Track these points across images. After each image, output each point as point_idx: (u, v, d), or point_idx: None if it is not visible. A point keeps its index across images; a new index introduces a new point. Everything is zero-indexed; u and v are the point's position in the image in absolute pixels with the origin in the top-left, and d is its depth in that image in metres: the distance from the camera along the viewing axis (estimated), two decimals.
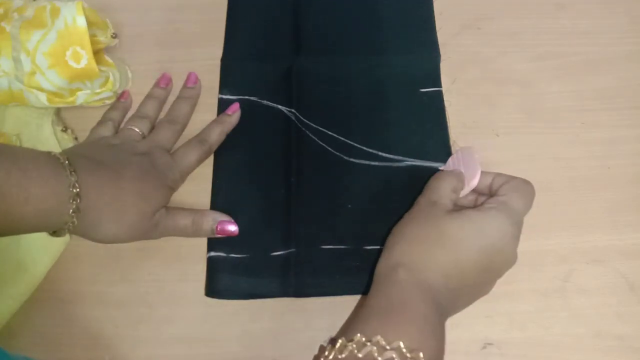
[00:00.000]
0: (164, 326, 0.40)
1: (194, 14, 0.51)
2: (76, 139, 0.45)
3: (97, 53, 0.45)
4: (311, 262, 0.41)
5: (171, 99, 0.47)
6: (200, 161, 0.43)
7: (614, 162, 0.44)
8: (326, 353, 0.29)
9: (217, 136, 0.44)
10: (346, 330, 0.31)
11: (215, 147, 0.44)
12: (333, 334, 0.39)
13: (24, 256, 0.41)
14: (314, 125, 0.45)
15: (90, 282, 0.41)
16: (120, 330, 0.40)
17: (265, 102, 0.46)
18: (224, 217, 0.41)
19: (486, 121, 0.46)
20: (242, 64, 0.48)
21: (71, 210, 0.34)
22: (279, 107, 0.46)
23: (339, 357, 0.29)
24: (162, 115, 0.46)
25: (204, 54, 0.48)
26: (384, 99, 0.46)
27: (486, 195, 0.39)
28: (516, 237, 0.35)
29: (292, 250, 0.41)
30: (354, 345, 0.29)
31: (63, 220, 0.34)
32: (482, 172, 0.38)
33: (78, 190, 0.34)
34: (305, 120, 0.45)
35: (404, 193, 0.42)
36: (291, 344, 0.39)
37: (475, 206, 0.39)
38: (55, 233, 0.36)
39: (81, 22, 0.42)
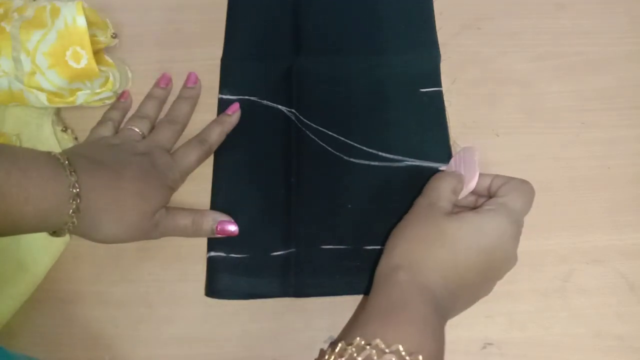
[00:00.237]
0: (164, 326, 0.40)
1: (194, 14, 0.51)
2: (76, 139, 0.45)
3: (97, 53, 0.45)
4: (311, 262, 0.41)
5: (171, 99, 0.47)
6: (200, 161, 0.43)
7: (614, 162, 0.44)
8: (326, 357, 0.29)
9: (217, 136, 0.44)
10: (346, 333, 0.31)
11: (215, 147, 0.44)
12: (333, 333, 0.39)
13: (24, 256, 0.41)
14: (314, 125, 0.45)
15: (90, 282, 0.41)
16: (120, 330, 0.40)
17: (265, 102, 0.46)
18: (224, 217, 0.41)
19: (486, 121, 0.46)
20: (242, 64, 0.48)
21: (71, 211, 0.34)
22: (279, 107, 0.46)
23: None
24: (162, 115, 0.46)
25: (204, 54, 0.48)
26: (384, 99, 0.46)
27: (485, 196, 0.39)
28: (515, 238, 0.35)
29: (292, 250, 0.41)
30: (353, 349, 0.29)
31: (63, 220, 0.34)
32: (480, 173, 0.38)
33: (78, 190, 0.34)
34: (305, 120, 0.45)
35: (404, 193, 0.42)
36: (291, 344, 0.39)
37: (474, 207, 0.39)
38: (55, 233, 0.36)
39: (81, 22, 0.42)
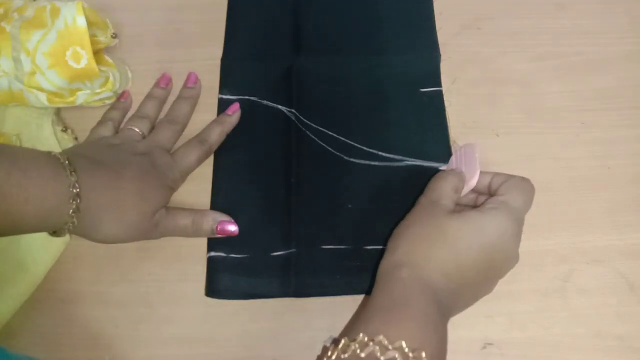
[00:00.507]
0: (164, 326, 0.40)
1: (194, 14, 0.51)
2: (76, 139, 0.45)
3: (97, 53, 0.45)
4: (311, 262, 0.41)
5: (171, 99, 0.47)
6: (200, 161, 0.43)
7: (614, 162, 0.44)
8: (329, 353, 0.30)
9: (217, 136, 0.44)
10: (349, 330, 0.31)
11: (215, 147, 0.44)
12: (333, 333, 0.39)
13: (24, 256, 0.41)
14: (314, 125, 0.45)
15: (90, 282, 0.41)
16: (120, 330, 0.40)
17: (265, 102, 0.46)
18: (224, 217, 0.41)
19: (486, 121, 0.46)
20: (242, 64, 0.48)
21: (71, 211, 0.34)
22: (279, 107, 0.46)
23: (342, 356, 0.29)
24: (162, 115, 0.46)
25: (204, 54, 0.48)
26: (384, 99, 0.46)
27: (486, 194, 0.39)
28: (517, 236, 0.35)
29: (292, 250, 0.41)
30: (357, 345, 0.29)
31: (63, 220, 0.34)
32: (480, 172, 0.38)
33: (78, 190, 0.34)
34: (305, 120, 0.45)
35: (404, 193, 0.42)
36: (291, 344, 0.39)
37: (475, 205, 0.40)
38: (55, 233, 0.36)
39: (81, 22, 0.42)
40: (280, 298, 0.40)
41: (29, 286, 0.40)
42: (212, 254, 0.41)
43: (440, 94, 0.46)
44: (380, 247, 0.40)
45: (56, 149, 0.43)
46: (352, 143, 0.44)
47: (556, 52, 0.48)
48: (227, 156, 0.44)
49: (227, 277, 0.40)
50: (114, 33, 0.47)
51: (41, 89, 0.43)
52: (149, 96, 0.46)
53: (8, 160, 0.32)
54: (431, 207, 0.37)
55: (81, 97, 0.44)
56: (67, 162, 0.35)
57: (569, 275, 0.41)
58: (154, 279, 0.41)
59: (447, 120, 0.45)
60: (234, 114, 0.45)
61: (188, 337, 0.40)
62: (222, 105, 0.46)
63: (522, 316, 0.40)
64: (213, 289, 0.40)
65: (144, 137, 0.43)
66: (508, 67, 0.48)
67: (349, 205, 0.42)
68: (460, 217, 0.35)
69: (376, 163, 0.44)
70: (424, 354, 0.28)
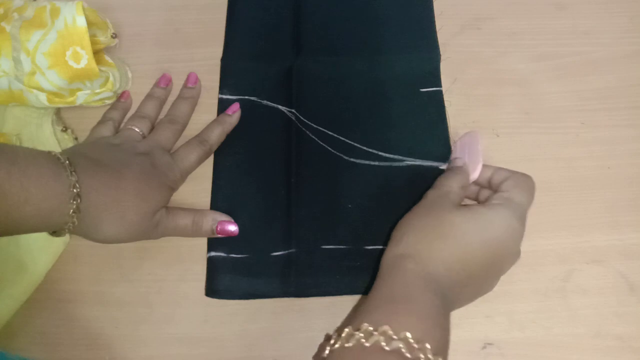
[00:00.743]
0: (164, 326, 0.40)
1: (194, 14, 0.51)
2: (76, 139, 0.45)
3: (97, 53, 0.45)
4: (311, 262, 0.41)
5: (171, 99, 0.47)
6: (200, 161, 0.43)
7: (614, 162, 0.44)
8: (332, 342, 0.29)
9: (217, 136, 0.44)
10: (352, 320, 0.31)
11: (215, 147, 0.44)
12: None
13: (24, 256, 0.41)
14: (314, 125, 0.45)
15: (90, 282, 0.41)
16: (120, 330, 0.40)
17: (265, 102, 0.46)
18: (224, 217, 0.41)
19: (486, 121, 0.46)
20: (242, 64, 0.48)
21: (71, 211, 0.34)
22: (279, 107, 0.46)
23: (346, 345, 0.29)
24: (162, 115, 0.46)
25: (204, 54, 0.48)
26: (384, 99, 0.46)
27: (486, 188, 0.39)
28: (520, 232, 0.36)
29: (292, 250, 0.41)
30: (361, 334, 0.29)
31: (63, 220, 0.34)
32: (483, 165, 0.39)
33: (78, 190, 0.34)
34: (305, 120, 0.45)
35: (404, 193, 0.42)
36: (291, 344, 0.39)
37: (477, 198, 0.40)
38: (55, 233, 0.36)
39: (81, 22, 0.42)
40: (280, 298, 0.40)
41: (29, 286, 0.40)
42: (212, 254, 0.41)
43: (440, 94, 0.46)
44: (381, 247, 0.41)
45: (56, 149, 0.43)
46: (352, 143, 0.44)
47: (556, 52, 0.48)
48: (227, 156, 0.44)
49: (227, 277, 0.40)
50: (114, 33, 0.47)
51: (41, 89, 0.43)
52: (149, 96, 0.46)
53: (8, 160, 0.32)
54: (439, 201, 0.37)
55: (81, 97, 0.44)
56: (67, 162, 0.35)
57: (569, 275, 0.41)
58: (154, 279, 0.41)
59: (447, 120, 0.45)
60: (234, 114, 0.45)
61: (188, 337, 0.40)
62: (222, 105, 0.46)
63: (522, 316, 0.40)
64: (213, 289, 0.40)
65: (144, 137, 0.43)
66: (508, 67, 0.48)
67: (349, 205, 0.42)
68: (466, 212, 0.35)
69: (376, 163, 0.44)
70: (428, 345, 0.28)
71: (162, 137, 0.43)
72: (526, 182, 0.37)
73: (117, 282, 0.41)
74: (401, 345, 0.28)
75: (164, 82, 0.47)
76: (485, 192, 0.40)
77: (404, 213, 0.38)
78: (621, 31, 0.49)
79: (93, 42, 0.43)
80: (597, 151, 0.44)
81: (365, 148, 0.44)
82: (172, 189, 0.41)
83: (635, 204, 0.43)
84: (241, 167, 0.44)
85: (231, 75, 0.47)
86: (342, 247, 0.41)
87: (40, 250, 0.41)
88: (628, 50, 0.48)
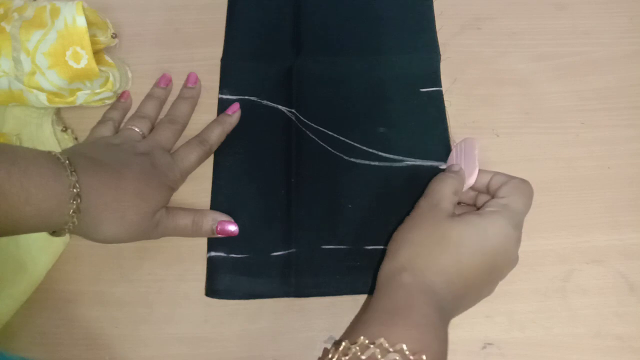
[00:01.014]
0: (164, 326, 0.40)
1: (194, 14, 0.51)
2: (76, 139, 0.45)
3: (97, 53, 0.45)
4: (311, 262, 0.41)
5: (171, 99, 0.47)
6: (200, 161, 0.43)
7: (614, 162, 0.44)
8: (330, 356, 0.30)
9: (217, 136, 0.44)
10: (350, 333, 0.31)
11: (215, 147, 0.44)
12: (333, 333, 0.39)
13: (24, 256, 0.41)
14: (314, 125, 0.45)
15: (90, 282, 0.41)
16: (120, 330, 0.40)
17: (265, 102, 0.46)
18: (224, 217, 0.41)
19: (486, 121, 0.46)
20: (242, 64, 0.48)
21: (71, 211, 0.34)
22: (279, 107, 0.46)
23: (343, 359, 0.29)
24: (162, 115, 0.46)
25: (204, 54, 0.48)
26: (384, 99, 0.46)
27: (484, 193, 0.39)
28: (517, 239, 0.35)
29: (293, 250, 0.41)
30: (357, 348, 0.29)
31: (63, 220, 0.34)
32: (480, 170, 0.38)
33: (78, 190, 0.34)
34: (305, 120, 0.45)
35: (404, 193, 0.42)
36: (291, 344, 0.39)
37: (474, 204, 0.40)
38: (55, 233, 0.36)
39: (81, 22, 0.42)
40: (280, 298, 0.40)
41: (29, 286, 0.40)
42: (212, 254, 0.41)
43: (440, 94, 0.46)
44: (381, 247, 0.41)
45: (56, 149, 0.43)
46: (352, 143, 0.44)
47: (556, 52, 0.48)
48: (227, 156, 0.44)
49: (227, 277, 0.40)
50: (114, 33, 0.47)
51: (41, 89, 0.43)
52: (149, 96, 0.46)
53: (8, 160, 0.32)
54: (432, 211, 0.36)
55: (81, 97, 0.44)
56: (67, 162, 0.35)
57: (569, 275, 0.41)
58: (154, 279, 0.41)
59: (447, 120, 0.45)
60: (234, 114, 0.45)
61: (188, 337, 0.40)
62: (222, 105, 0.46)
63: (522, 316, 0.40)
64: (213, 289, 0.40)
65: (144, 137, 0.43)
66: (508, 67, 0.48)
67: (349, 205, 0.42)
68: (461, 221, 0.35)
69: (376, 163, 0.44)
70: (424, 357, 0.28)
71: (162, 137, 0.43)
72: (524, 188, 0.37)
73: (117, 282, 0.41)
74: (397, 358, 0.28)
75: (164, 82, 0.47)
76: (483, 197, 0.39)
77: (404, 213, 0.38)
78: (621, 31, 0.49)
79: (93, 42, 0.43)
80: (597, 151, 0.44)
81: (365, 148, 0.44)
82: (172, 189, 0.41)
83: (635, 204, 0.43)
84: (241, 167, 0.44)
85: (231, 75, 0.47)
86: (342, 247, 0.41)
87: (40, 250, 0.41)
88: (628, 50, 0.48)
